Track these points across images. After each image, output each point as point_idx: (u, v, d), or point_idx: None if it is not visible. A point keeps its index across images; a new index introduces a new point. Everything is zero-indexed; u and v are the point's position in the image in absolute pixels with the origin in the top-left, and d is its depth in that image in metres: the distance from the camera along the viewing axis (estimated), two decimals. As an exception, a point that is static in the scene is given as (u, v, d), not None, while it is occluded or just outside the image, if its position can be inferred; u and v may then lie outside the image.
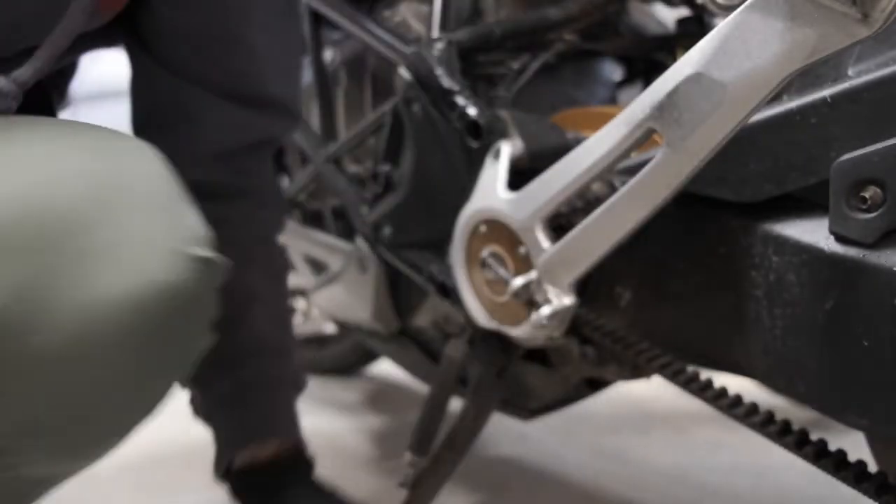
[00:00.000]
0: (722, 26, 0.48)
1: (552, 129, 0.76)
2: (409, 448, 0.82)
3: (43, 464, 0.45)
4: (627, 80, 1.04)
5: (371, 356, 1.95)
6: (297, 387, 0.87)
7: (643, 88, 1.01)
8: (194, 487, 1.03)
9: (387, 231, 0.92)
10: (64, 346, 0.40)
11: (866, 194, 0.46)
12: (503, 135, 0.74)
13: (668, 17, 1.04)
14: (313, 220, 1.39)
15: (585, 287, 0.69)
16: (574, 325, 0.67)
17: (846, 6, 0.41)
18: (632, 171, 0.58)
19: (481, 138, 0.74)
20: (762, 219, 0.54)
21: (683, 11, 0.94)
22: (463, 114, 0.77)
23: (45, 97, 0.67)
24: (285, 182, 1.44)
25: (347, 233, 1.27)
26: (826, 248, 0.49)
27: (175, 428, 0.95)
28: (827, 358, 0.50)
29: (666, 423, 1.54)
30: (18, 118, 0.48)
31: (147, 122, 0.74)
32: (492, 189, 0.71)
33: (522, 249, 0.67)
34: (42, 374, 0.40)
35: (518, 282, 0.65)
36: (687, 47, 0.52)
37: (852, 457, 0.53)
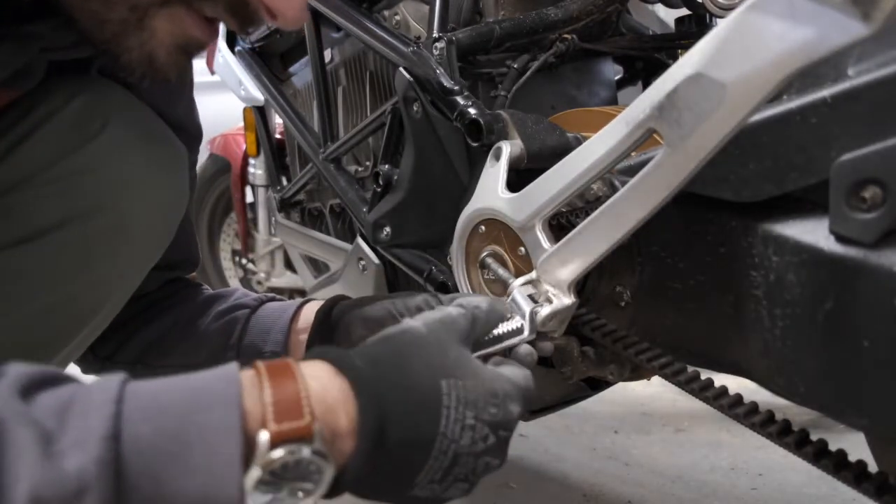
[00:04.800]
0: (722, 26, 0.48)
1: (552, 129, 0.76)
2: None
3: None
4: (627, 80, 1.04)
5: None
6: None
7: (643, 88, 1.02)
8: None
9: (386, 231, 0.92)
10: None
11: (866, 194, 0.46)
12: (503, 135, 0.74)
13: (668, 17, 1.04)
14: (313, 220, 1.39)
15: (585, 287, 0.69)
16: (574, 325, 0.67)
17: (846, 6, 0.41)
18: (632, 171, 0.58)
19: (481, 138, 0.74)
20: (762, 219, 0.54)
21: (683, 11, 0.94)
22: (463, 114, 0.77)
23: None
24: (285, 182, 1.44)
25: (347, 233, 1.27)
26: (826, 248, 0.49)
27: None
28: (827, 358, 0.50)
29: (666, 423, 1.54)
30: None
31: None
32: (492, 189, 0.71)
33: (522, 249, 0.67)
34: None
35: (518, 282, 0.65)
36: (687, 47, 0.52)
37: (852, 457, 0.53)
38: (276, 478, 0.40)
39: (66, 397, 0.37)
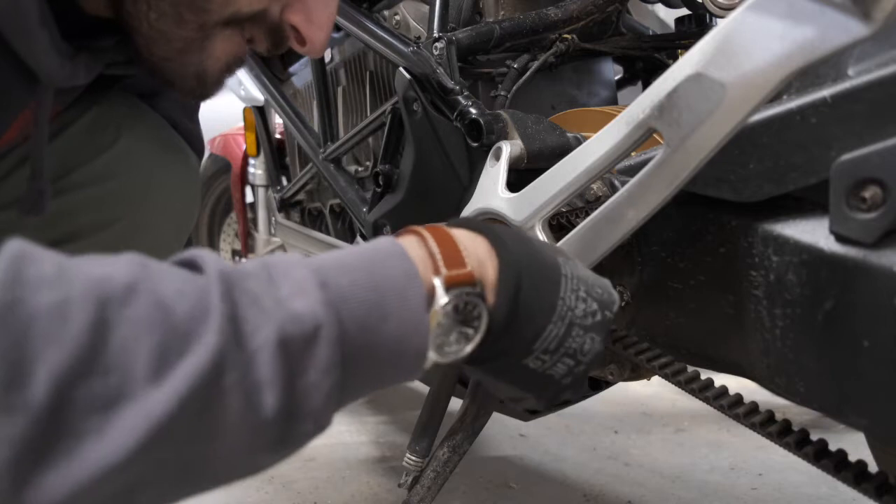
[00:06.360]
0: (722, 26, 0.48)
1: (552, 129, 0.76)
2: (408, 448, 0.82)
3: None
4: (627, 80, 1.04)
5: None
6: None
7: (643, 88, 1.02)
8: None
9: (387, 231, 0.92)
10: None
11: (866, 194, 0.46)
12: (503, 135, 0.74)
13: (668, 17, 1.04)
14: (313, 220, 1.39)
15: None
16: (574, 325, 0.67)
17: (846, 6, 0.41)
18: (632, 171, 0.58)
19: (481, 138, 0.74)
20: (762, 219, 0.54)
21: (683, 11, 0.94)
22: (463, 114, 0.77)
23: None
24: (285, 182, 1.44)
25: (347, 233, 1.27)
26: (826, 248, 0.49)
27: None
28: (827, 358, 0.50)
29: (666, 423, 1.54)
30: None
31: None
32: (492, 189, 0.71)
33: (522, 249, 0.67)
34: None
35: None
36: (687, 47, 0.52)
37: (852, 457, 0.53)
38: (449, 320, 0.43)
39: (260, 261, 0.40)
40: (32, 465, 0.29)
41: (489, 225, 0.49)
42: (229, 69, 0.65)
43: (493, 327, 0.45)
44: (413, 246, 0.44)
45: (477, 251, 0.46)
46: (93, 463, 0.30)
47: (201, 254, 0.39)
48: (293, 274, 0.39)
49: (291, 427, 0.37)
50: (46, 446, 0.30)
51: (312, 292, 0.38)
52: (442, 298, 0.42)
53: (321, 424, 0.39)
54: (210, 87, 0.64)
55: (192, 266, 0.39)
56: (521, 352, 0.47)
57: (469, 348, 0.45)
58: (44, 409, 0.29)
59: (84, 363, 0.31)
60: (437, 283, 0.43)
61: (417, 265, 0.43)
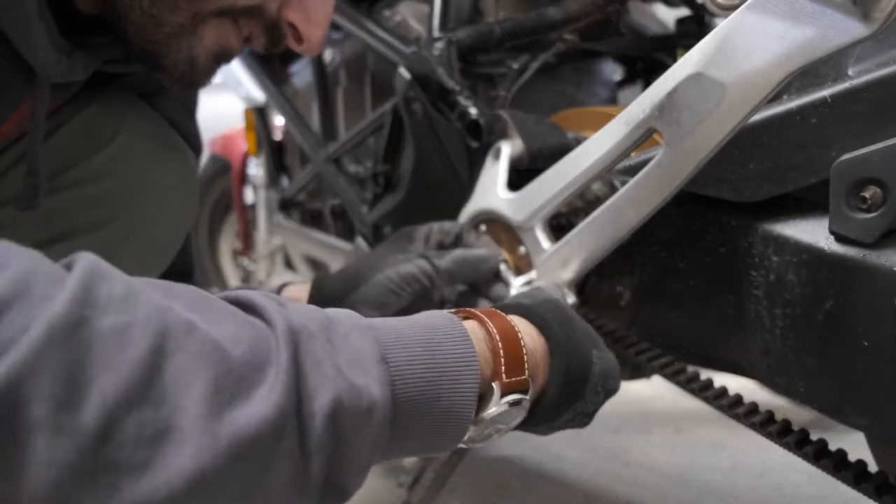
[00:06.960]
0: (722, 26, 0.48)
1: (552, 129, 0.76)
2: (409, 448, 0.82)
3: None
4: (627, 80, 1.04)
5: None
6: None
7: (643, 88, 1.02)
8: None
9: (387, 231, 0.92)
10: None
11: (866, 194, 0.46)
12: (503, 135, 0.74)
13: (668, 17, 1.04)
14: (313, 220, 1.39)
15: (585, 287, 0.69)
16: (574, 325, 0.67)
17: (846, 6, 0.41)
18: (632, 171, 0.58)
19: (481, 138, 0.74)
20: (762, 219, 0.54)
21: (683, 11, 0.94)
22: (463, 114, 0.77)
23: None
24: (285, 182, 1.44)
25: (347, 233, 1.27)
26: (826, 248, 0.49)
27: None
28: (827, 358, 0.50)
29: (666, 423, 1.54)
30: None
31: None
32: (492, 189, 0.71)
33: (522, 249, 0.67)
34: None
35: (518, 282, 0.65)
36: (687, 47, 0.52)
37: (852, 457, 0.53)
38: (492, 419, 0.44)
39: (322, 317, 0.40)
40: (74, 491, 0.29)
41: (548, 316, 0.49)
42: (219, 58, 0.65)
43: (521, 422, 0.47)
44: (476, 334, 0.45)
45: (536, 354, 0.47)
46: (135, 499, 0.30)
47: (259, 299, 0.38)
48: (354, 341, 0.39)
49: (328, 492, 0.38)
50: (91, 473, 0.29)
51: (372, 366, 0.38)
52: (494, 406, 0.43)
53: (353, 490, 0.39)
54: (201, 73, 0.64)
55: (247, 308, 0.38)
56: (527, 426, 0.50)
57: (496, 437, 0.46)
58: (92, 434, 0.29)
59: (138, 391, 0.30)
60: (496, 388, 0.44)
61: (478, 356, 0.43)
